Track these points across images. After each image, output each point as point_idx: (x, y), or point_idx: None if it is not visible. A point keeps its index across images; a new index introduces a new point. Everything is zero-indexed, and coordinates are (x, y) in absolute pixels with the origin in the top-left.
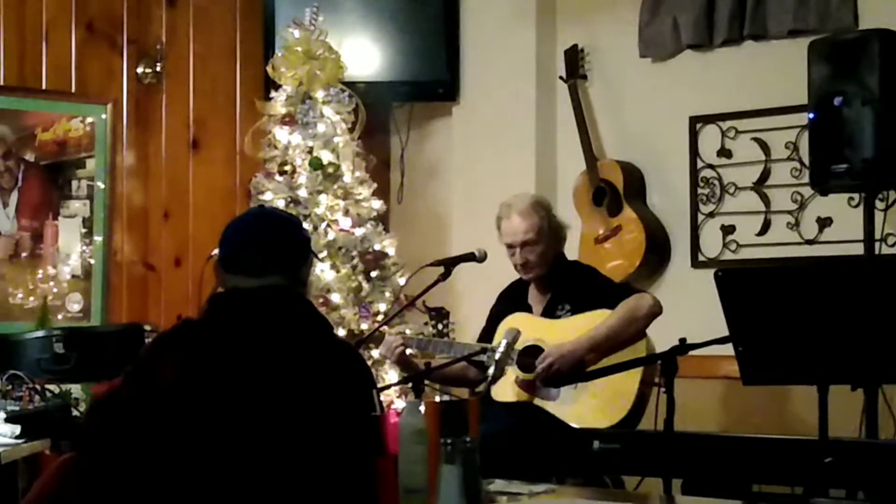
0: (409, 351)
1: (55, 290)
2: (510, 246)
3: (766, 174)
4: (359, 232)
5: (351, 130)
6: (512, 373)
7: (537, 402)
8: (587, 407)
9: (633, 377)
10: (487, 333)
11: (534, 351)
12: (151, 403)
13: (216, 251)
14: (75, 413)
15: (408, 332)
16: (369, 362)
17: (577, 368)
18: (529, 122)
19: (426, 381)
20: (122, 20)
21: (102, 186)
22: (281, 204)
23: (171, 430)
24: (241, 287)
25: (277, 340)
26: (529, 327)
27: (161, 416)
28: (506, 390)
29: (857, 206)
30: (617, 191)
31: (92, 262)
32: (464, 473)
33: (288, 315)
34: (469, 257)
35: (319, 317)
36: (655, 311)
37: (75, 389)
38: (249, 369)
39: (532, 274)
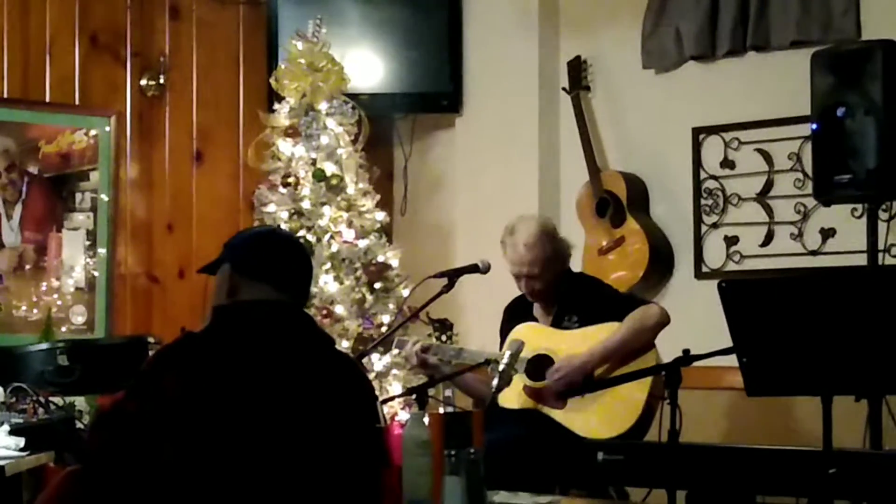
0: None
1: (59, 302)
2: (516, 276)
3: (769, 185)
4: (362, 243)
5: (354, 142)
6: (520, 380)
7: (544, 410)
8: (594, 417)
9: (641, 389)
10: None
11: (543, 360)
12: (157, 417)
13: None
14: (79, 425)
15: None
16: (372, 374)
17: (588, 380)
18: (532, 134)
19: (430, 393)
20: (126, 33)
21: (106, 199)
22: (284, 216)
23: (177, 444)
24: (246, 300)
25: (281, 354)
26: (539, 337)
27: (167, 429)
28: (513, 398)
29: (860, 216)
30: (620, 202)
31: (96, 274)
32: (468, 484)
33: (291, 329)
34: (473, 269)
35: (321, 331)
36: (663, 321)
37: (79, 402)
38: (254, 382)
39: (537, 299)
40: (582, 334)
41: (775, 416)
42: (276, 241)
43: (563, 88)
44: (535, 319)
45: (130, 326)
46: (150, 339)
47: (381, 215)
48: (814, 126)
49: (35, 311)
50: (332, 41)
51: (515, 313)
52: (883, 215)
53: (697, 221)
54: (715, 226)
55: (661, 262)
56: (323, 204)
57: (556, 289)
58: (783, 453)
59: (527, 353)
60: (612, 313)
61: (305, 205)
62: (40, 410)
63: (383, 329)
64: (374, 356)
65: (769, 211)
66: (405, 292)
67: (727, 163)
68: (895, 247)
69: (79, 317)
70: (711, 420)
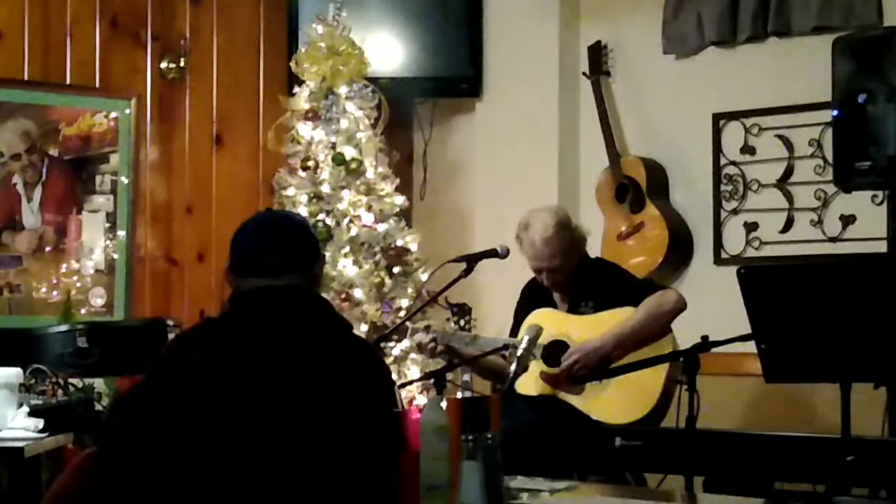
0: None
1: (78, 284)
2: (537, 270)
3: (789, 171)
4: (381, 228)
5: (374, 126)
6: (536, 367)
7: (561, 395)
8: (611, 402)
9: (658, 374)
10: (515, 332)
11: (558, 345)
12: (176, 401)
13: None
14: (98, 407)
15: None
16: (391, 359)
17: (602, 364)
18: (552, 119)
19: (448, 377)
20: (147, 15)
21: (126, 181)
22: (304, 199)
23: (196, 428)
24: (261, 286)
25: (300, 338)
26: (554, 322)
27: (187, 413)
28: (530, 384)
29: (880, 203)
30: (640, 187)
31: (115, 256)
32: (485, 470)
33: (309, 313)
34: (491, 253)
35: (338, 315)
36: (680, 307)
37: (98, 384)
38: (274, 367)
39: (559, 289)
40: (597, 319)
41: (793, 402)
42: (262, 229)
43: (584, 73)
44: (553, 302)
45: (149, 309)
46: (169, 322)
47: (400, 199)
48: (834, 112)
49: (55, 292)
50: (352, 25)
51: (533, 296)
52: None
53: (717, 207)
54: (735, 212)
55: (680, 248)
56: (342, 188)
57: (573, 275)
58: (801, 440)
59: (543, 339)
60: (628, 298)
61: (325, 188)
62: (59, 392)
63: (402, 313)
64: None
65: (789, 197)
66: (424, 276)
67: (747, 149)
68: None
69: (98, 299)
70: (729, 406)
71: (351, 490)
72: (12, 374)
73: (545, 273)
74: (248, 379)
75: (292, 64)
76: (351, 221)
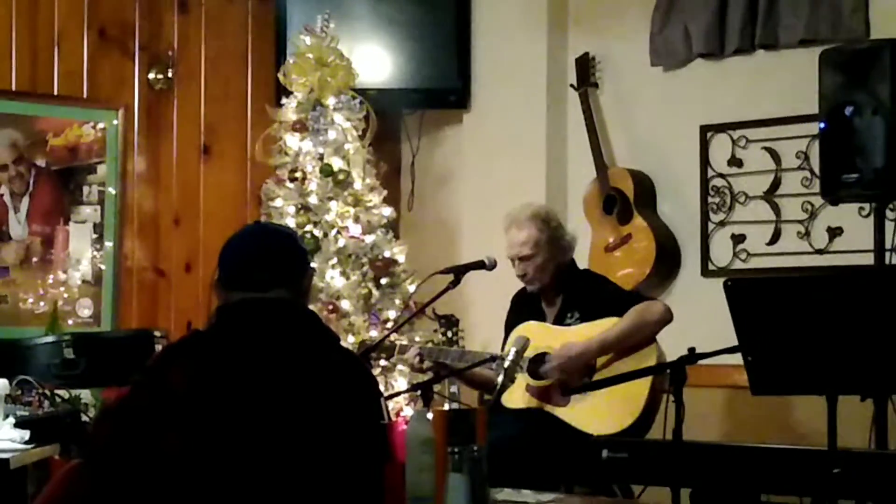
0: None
1: (66, 295)
2: (511, 259)
3: (776, 183)
4: (369, 239)
5: (362, 137)
6: (523, 380)
7: (547, 408)
8: (597, 411)
9: (643, 383)
10: (504, 345)
11: (544, 358)
12: (162, 412)
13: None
14: (85, 418)
15: (417, 339)
16: (378, 370)
17: (585, 370)
18: (540, 130)
19: (436, 389)
20: (134, 26)
21: (113, 192)
22: (291, 210)
23: (181, 439)
24: (248, 299)
25: (286, 350)
26: (540, 335)
27: (172, 424)
28: (516, 397)
29: (867, 215)
30: (627, 199)
31: (102, 267)
32: (471, 482)
33: (295, 326)
34: (479, 265)
35: (325, 328)
36: (666, 318)
37: (85, 395)
38: (259, 379)
39: (533, 286)
40: (582, 330)
41: (780, 414)
42: (250, 243)
43: (571, 85)
44: (542, 315)
45: (136, 320)
46: (156, 333)
47: (387, 211)
48: (822, 125)
49: (41, 303)
50: (341, 36)
51: (522, 307)
52: (890, 214)
53: (704, 219)
54: (722, 224)
55: (667, 260)
56: (330, 199)
57: (558, 284)
58: (788, 452)
59: (528, 353)
60: (614, 309)
61: (312, 200)
62: (46, 403)
63: (389, 325)
64: None
65: (776, 209)
66: (411, 288)
67: (735, 161)
68: None
69: (85, 310)
70: (716, 418)
71: (336, 500)
72: None
73: (516, 263)
74: (233, 390)
75: (280, 75)
76: (338, 233)
